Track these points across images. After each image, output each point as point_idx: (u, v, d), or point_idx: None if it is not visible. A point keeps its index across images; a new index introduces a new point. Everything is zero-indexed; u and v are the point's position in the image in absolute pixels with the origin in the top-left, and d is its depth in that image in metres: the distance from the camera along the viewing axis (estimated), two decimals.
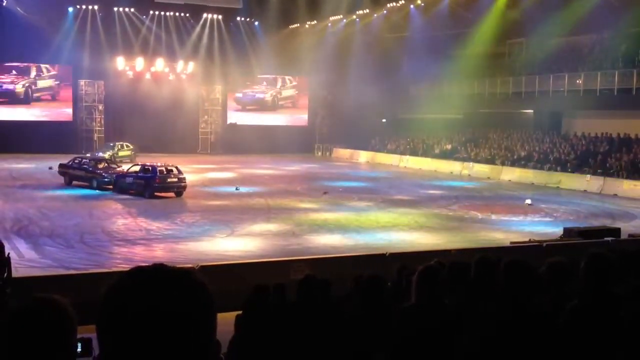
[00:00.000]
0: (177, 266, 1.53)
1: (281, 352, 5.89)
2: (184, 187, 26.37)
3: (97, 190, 26.87)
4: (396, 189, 30.71)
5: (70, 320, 1.97)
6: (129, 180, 26.48)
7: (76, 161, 28.96)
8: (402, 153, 46.26)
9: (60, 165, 29.39)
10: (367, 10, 47.30)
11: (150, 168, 26.33)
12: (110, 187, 26.94)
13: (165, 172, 26.19)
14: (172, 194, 26.04)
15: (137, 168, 27.02)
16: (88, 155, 32.80)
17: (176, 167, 26.87)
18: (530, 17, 37.39)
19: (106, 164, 28.95)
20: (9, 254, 8.60)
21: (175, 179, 26.29)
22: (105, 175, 27.55)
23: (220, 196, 26.55)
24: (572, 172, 33.38)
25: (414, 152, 45.65)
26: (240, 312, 6.84)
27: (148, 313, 1.40)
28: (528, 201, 26.29)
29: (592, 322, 3.65)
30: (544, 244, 14.08)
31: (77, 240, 17.34)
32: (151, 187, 25.65)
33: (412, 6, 45.35)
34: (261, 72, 51.95)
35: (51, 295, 2.00)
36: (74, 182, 28.17)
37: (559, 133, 39.64)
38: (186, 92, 50.36)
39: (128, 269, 1.54)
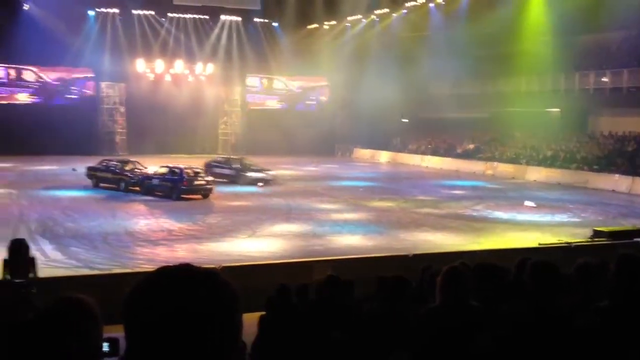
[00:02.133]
0: (203, 266, 1.51)
1: (304, 353, 5.86)
2: (211, 190, 26.32)
3: (124, 192, 26.81)
4: (418, 189, 30.55)
5: (96, 319, 1.98)
6: (156, 182, 26.43)
7: (103, 163, 28.98)
8: (424, 153, 46.06)
9: (88, 168, 29.41)
10: (387, 10, 47.17)
11: (177, 170, 26.24)
12: (137, 189, 26.93)
13: (192, 175, 26.17)
14: (198, 196, 25.93)
15: (164, 170, 26.91)
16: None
17: (202, 169, 26.68)
18: (555, 14, 36.98)
19: (133, 166, 28.89)
20: (34, 254, 8.68)
21: (203, 182, 26.26)
22: (133, 177, 27.54)
23: (241, 197, 26.60)
24: (600, 171, 32.92)
25: (435, 152, 45.44)
26: (263, 312, 6.83)
27: (174, 311, 1.40)
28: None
29: (623, 322, 3.58)
30: (573, 245, 13.90)
31: (100, 240, 17.47)
32: (178, 189, 25.56)
33: (431, 5, 45.13)
34: (280, 72, 51.97)
35: (77, 295, 2.01)
36: (102, 185, 28.22)
37: (585, 132, 39.17)
38: (205, 94, 50.64)
39: (154, 268, 1.52)
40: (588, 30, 36.19)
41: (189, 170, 26.27)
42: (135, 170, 28.39)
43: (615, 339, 3.54)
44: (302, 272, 10.92)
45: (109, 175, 28.19)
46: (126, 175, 27.73)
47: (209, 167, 31.05)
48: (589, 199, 27.75)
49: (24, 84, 47.61)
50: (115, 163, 28.99)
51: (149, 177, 27.01)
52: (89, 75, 48.32)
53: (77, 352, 1.93)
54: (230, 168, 31.40)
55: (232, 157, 35.20)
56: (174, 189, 25.68)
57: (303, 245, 17.47)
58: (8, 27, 41.24)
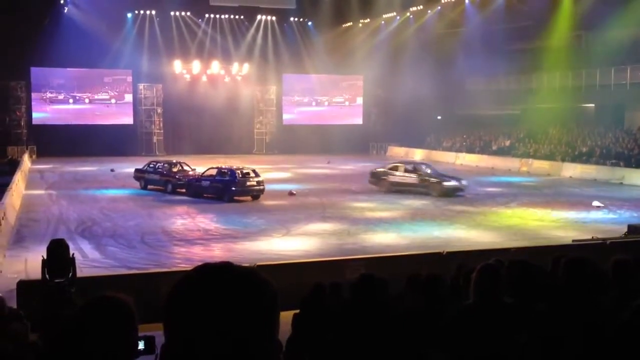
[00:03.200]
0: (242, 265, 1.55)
1: (338, 352, 5.89)
2: (262, 191, 25.56)
3: (171, 194, 26.42)
4: None
5: (132, 317, 2.04)
6: (205, 184, 25.71)
7: (150, 165, 28.58)
8: (459, 150, 45.70)
9: (136, 170, 29.10)
10: (421, 7, 46.88)
11: (228, 171, 25.57)
12: (184, 190, 26.44)
13: (243, 175, 25.35)
14: (248, 198, 25.35)
15: (213, 171, 26.18)
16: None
17: (253, 170, 26.05)
18: (591, 9, 36.37)
19: (180, 167, 28.40)
20: (73, 254, 8.86)
21: (254, 182, 25.46)
22: (180, 178, 27.05)
23: (276, 196, 26.68)
24: (636, 167, 32.36)
25: (470, 149, 45.03)
26: (297, 311, 6.88)
27: (215, 308, 1.42)
28: (596, 203, 24.43)
29: None
30: (608, 242, 13.69)
31: (138, 240, 17.74)
32: (230, 191, 24.81)
33: (467, 1, 44.74)
34: (315, 71, 52.04)
35: (114, 294, 2.07)
36: (150, 187, 27.86)
37: (621, 127, 38.49)
38: (241, 94, 50.97)
39: (190, 267, 1.56)
40: (623, 25, 35.47)
41: (239, 171, 25.53)
42: (183, 171, 28.01)
43: None
44: (336, 271, 10.96)
45: (156, 177, 27.79)
46: (173, 177, 27.29)
47: (384, 175, 28.09)
48: (625, 195, 27.26)
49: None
50: (162, 164, 28.44)
51: (197, 179, 26.30)
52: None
53: (113, 349, 1.99)
54: (418, 174, 27.30)
55: (414, 162, 31.30)
56: (225, 191, 24.90)
57: (337, 243, 17.51)
58: (50, 30, 42.13)
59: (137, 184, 28.54)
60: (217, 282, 1.46)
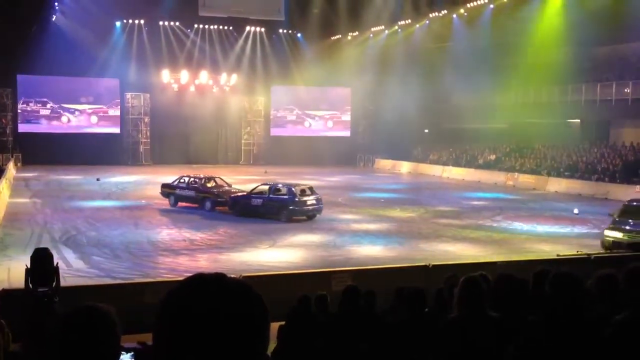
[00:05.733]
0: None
1: None
2: (320, 211, 23.63)
3: (210, 212, 24.53)
4: (439, 199, 30.44)
5: (114, 328, 2.02)
6: (256, 202, 23.55)
7: (182, 180, 26.28)
8: (445, 163, 45.92)
9: (165, 186, 26.80)
10: (409, 21, 47.17)
11: (284, 188, 23.54)
12: (221, 208, 24.58)
13: (302, 193, 23.32)
14: (303, 218, 23.30)
15: (263, 188, 24.10)
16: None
17: (309, 187, 24.09)
18: (577, 25, 36.76)
19: (214, 183, 26.33)
20: (57, 263, 8.80)
21: (314, 201, 23.43)
22: (220, 195, 24.98)
23: None
24: (621, 183, 32.63)
25: (456, 163, 45.27)
26: (282, 322, 6.86)
27: (208, 317, 1.41)
28: (576, 210, 25.96)
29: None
30: (592, 256, 13.77)
31: (123, 250, 17.63)
32: (289, 210, 22.84)
33: (454, 15, 45.08)
34: (303, 83, 52.16)
35: (96, 304, 2.06)
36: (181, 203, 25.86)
37: (606, 143, 38.82)
38: (229, 104, 51.03)
39: (175, 278, 1.55)
40: (609, 41, 35.90)
41: (297, 189, 23.38)
42: (219, 187, 26.08)
43: (634, 351, 3.52)
44: (322, 282, 10.94)
45: (191, 193, 25.53)
46: (212, 193, 25.20)
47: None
48: (610, 210, 27.41)
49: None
50: (195, 179, 26.14)
51: (245, 197, 24.21)
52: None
53: (95, 356, 1.97)
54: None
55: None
56: (282, 210, 22.93)
57: (323, 255, 17.49)
58: (37, 37, 41.96)
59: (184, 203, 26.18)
60: (210, 293, 1.45)
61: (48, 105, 47.88)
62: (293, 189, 23.26)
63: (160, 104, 48.86)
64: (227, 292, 1.46)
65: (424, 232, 21.51)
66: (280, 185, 24.15)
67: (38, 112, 47.73)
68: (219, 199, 24.72)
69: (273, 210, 23.15)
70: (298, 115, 54.87)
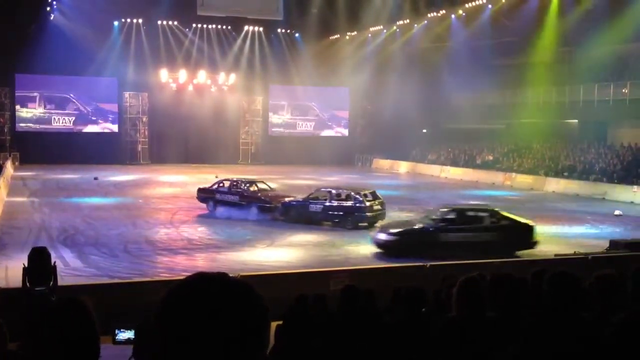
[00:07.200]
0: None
1: None
2: (383, 216, 22.20)
3: (255, 217, 22.96)
4: (437, 199, 30.40)
5: (90, 316, 2.20)
6: (316, 208, 22.27)
7: (222, 184, 24.89)
8: (443, 163, 45.94)
9: (201, 190, 25.27)
10: (408, 21, 47.16)
11: (349, 195, 22.14)
12: (269, 213, 23.12)
13: (367, 198, 22.01)
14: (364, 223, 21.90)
15: (321, 194, 22.94)
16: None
17: (372, 192, 22.77)
18: (575, 26, 36.81)
19: (256, 187, 24.69)
20: (54, 262, 8.79)
21: (379, 206, 22.20)
22: (268, 200, 23.54)
23: None
24: (619, 183, 32.65)
25: (455, 163, 45.28)
26: (279, 322, 6.84)
27: (209, 316, 1.41)
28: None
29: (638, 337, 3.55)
30: (590, 257, 13.79)
31: (120, 249, 17.63)
32: (356, 217, 21.63)
33: (453, 16, 45.10)
34: (301, 82, 52.16)
35: (75, 296, 2.21)
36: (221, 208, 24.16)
37: (604, 143, 38.86)
38: (227, 104, 51.00)
39: (176, 276, 1.55)
40: (607, 42, 35.91)
41: (361, 195, 22.08)
42: (263, 190, 24.64)
43: (633, 352, 3.52)
44: (319, 282, 10.94)
45: (234, 198, 23.97)
46: (259, 198, 23.67)
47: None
48: (607, 210, 27.47)
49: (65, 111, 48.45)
50: (237, 183, 24.68)
51: (302, 202, 22.86)
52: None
53: (76, 342, 2.08)
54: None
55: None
56: (348, 217, 21.68)
57: (321, 255, 17.50)
58: (35, 36, 41.92)
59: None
60: (212, 292, 1.45)
61: (46, 105, 47.82)
62: (359, 195, 22.03)
63: (159, 103, 48.83)
64: (229, 292, 1.46)
65: None
66: (342, 191, 22.76)
67: (36, 110, 47.65)
68: (267, 204, 23.29)
69: (336, 216, 22.03)
70: (296, 115, 54.87)
